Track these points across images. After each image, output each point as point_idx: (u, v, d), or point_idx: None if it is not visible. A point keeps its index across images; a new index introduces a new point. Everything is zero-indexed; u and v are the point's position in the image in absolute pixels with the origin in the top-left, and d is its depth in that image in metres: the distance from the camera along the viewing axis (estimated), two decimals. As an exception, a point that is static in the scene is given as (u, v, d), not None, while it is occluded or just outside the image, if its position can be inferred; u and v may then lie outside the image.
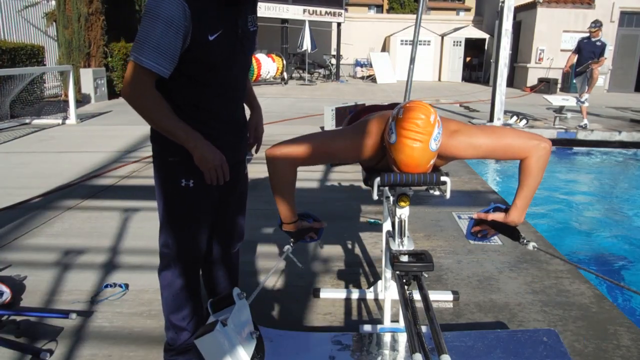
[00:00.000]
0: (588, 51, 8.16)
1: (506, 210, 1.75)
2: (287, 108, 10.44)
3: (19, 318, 2.21)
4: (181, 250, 1.73)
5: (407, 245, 1.75)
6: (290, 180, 1.69)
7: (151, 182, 1.74)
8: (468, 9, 34.31)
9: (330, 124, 7.18)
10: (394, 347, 2.05)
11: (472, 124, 1.67)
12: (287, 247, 1.75)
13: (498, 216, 1.76)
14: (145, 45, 1.41)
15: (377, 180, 1.60)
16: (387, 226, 2.20)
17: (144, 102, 1.49)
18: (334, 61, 19.74)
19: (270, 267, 2.86)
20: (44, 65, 10.18)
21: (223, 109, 1.66)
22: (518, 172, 1.67)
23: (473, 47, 21.62)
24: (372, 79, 19.87)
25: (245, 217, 1.98)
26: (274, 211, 1.74)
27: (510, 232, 1.74)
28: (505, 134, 1.62)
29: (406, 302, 1.45)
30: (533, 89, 16.05)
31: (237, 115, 1.74)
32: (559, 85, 15.92)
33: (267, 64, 15.86)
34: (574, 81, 8.59)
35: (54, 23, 11.16)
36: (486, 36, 20.90)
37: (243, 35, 1.61)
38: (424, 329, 1.61)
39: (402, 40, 21.19)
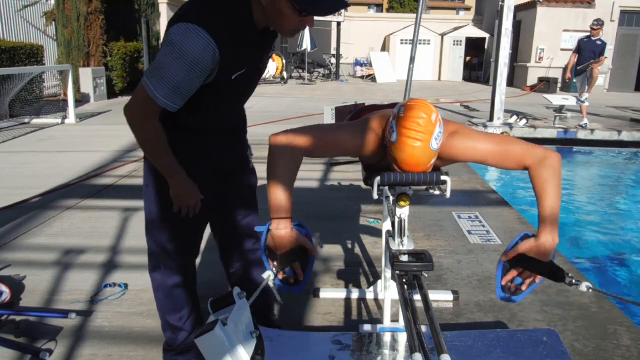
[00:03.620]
0: (588, 51, 8.16)
1: (534, 236, 1.49)
2: (287, 108, 10.44)
3: (18, 318, 2.20)
4: (168, 250, 1.71)
5: (407, 245, 1.75)
6: (292, 168, 1.51)
7: (151, 181, 1.73)
8: (468, 9, 34.25)
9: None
10: (394, 347, 2.04)
11: (473, 129, 1.64)
12: (268, 272, 1.40)
13: (528, 245, 1.47)
14: (164, 83, 1.34)
15: (377, 179, 1.60)
16: (387, 226, 2.20)
17: (145, 131, 1.46)
18: (333, 61, 19.74)
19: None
20: (43, 64, 10.17)
21: (227, 122, 1.65)
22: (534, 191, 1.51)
23: (473, 47, 21.62)
24: (372, 78, 19.86)
25: (256, 215, 1.89)
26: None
27: (551, 270, 1.43)
28: (506, 141, 1.56)
29: (406, 302, 1.44)
30: (533, 88, 16.06)
31: (239, 124, 1.74)
32: (559, 85, 15.94)
33: (266, 64, 15.84)
34: (574, 81, 8.59)
35: (53, 22, 11.16)
36: (486, 36, 20.90)
37: (262, 67, 1.59)
38: (424, 328, 1.60)
39: (402, 40, 21.19)
